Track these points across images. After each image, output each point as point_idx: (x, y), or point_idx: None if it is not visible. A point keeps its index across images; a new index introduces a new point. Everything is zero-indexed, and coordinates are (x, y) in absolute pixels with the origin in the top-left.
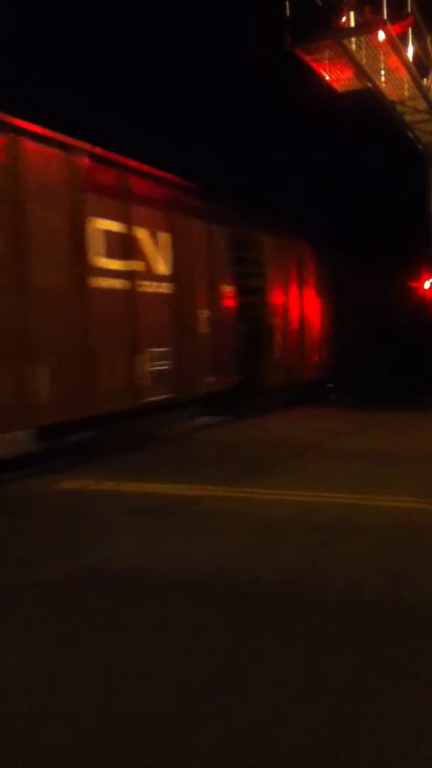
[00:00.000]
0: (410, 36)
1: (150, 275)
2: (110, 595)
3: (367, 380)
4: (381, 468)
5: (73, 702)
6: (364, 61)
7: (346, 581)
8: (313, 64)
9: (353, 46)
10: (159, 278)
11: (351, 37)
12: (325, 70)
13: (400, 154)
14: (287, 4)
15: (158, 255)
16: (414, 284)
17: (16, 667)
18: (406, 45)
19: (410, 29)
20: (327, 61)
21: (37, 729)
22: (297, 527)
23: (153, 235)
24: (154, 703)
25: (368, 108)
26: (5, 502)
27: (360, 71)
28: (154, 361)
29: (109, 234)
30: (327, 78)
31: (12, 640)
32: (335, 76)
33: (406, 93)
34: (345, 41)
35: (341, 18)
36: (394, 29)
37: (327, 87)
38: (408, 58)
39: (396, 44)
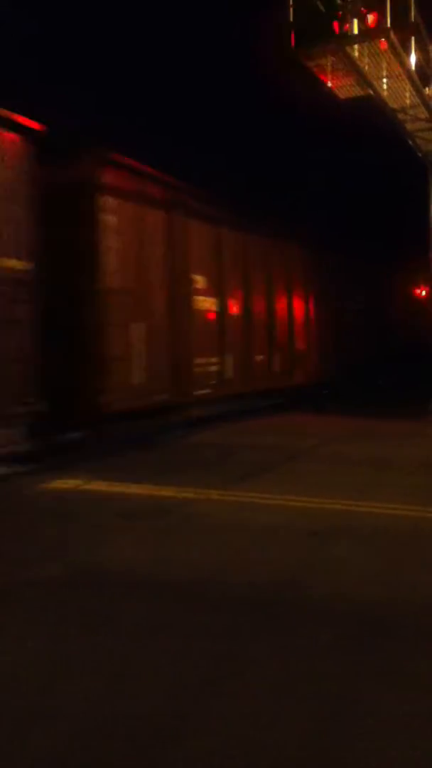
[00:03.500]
0: (413, 44)
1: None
2: (102, 596)
3: (365, 384)
4: (375, 474)
5: (67, 703)
6: (366, 68)
7: (339, 586)
8: (316, 71)
9: (356, 53)
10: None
11: (354, 44)
12: (327, 77)
13: (401, 162)
14: (291, 9)
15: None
16: (413, 291)
17: (9, 667)
18: (408, 53)
19: (413, 38)
20: (329, 68)
21: (32, 730)
22: (291, 532)
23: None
24: (147, 706)
25: (369, 115)
26: None
27: (362, 78)
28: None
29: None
30: (329, 84)
31: (5, 639)
32: (337, 82)
33: (408, 101)
34: (348, 48)
35: (344, 25)
36: (396, 37)
37: (329, 93)
38: (411, 66)
39: (399, 52)
